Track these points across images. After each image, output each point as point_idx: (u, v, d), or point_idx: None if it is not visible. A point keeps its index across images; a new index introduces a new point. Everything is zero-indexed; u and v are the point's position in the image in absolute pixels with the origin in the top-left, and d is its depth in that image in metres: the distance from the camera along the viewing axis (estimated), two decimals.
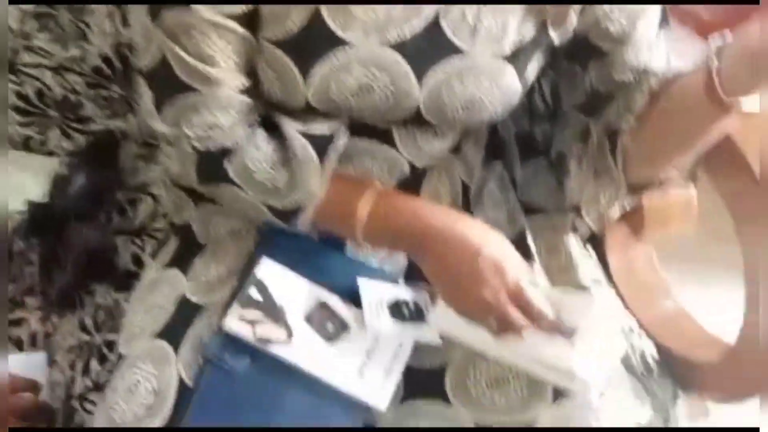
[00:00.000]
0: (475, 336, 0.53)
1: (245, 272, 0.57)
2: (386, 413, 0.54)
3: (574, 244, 0.65)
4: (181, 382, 0.54)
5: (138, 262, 0.68)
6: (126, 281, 0.67)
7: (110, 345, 0.62)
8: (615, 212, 0.63)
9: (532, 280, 0.52)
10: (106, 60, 0.71)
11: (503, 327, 0.51)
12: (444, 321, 0.55)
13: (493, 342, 0.53)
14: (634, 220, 0.73)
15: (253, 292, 0.54)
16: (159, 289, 0.62)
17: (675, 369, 0.63)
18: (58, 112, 0.73)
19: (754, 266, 0.58)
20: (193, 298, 0.59)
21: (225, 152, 0.54)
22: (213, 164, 0.54)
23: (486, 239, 0.52)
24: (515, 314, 0.50)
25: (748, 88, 0.47)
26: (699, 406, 0.67)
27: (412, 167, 0.62)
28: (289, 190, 0.54)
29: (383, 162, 0.59)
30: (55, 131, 0.74)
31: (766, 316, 0.56)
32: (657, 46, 0.58)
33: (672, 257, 0.79)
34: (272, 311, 0.54)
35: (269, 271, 0.56)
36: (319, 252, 0.59)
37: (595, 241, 0.76)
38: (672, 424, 0.61)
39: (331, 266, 0.59)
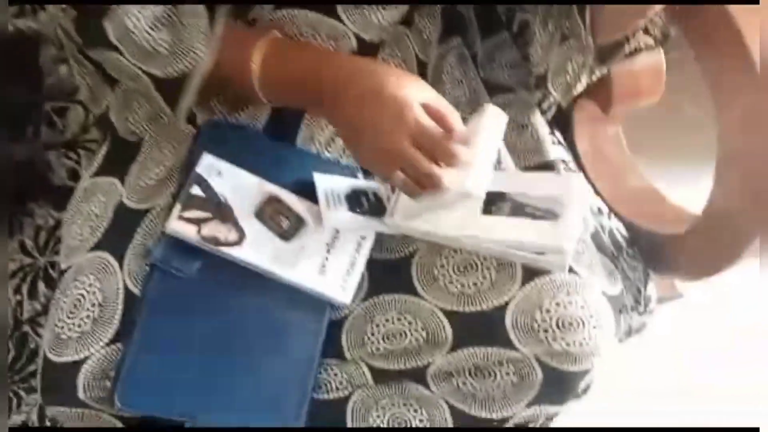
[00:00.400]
0: (441, 225, 0.50)
1: (185, 171, 0.52)
2: (352, 309, 0.52)
3: (541, 122, 0.61)
4: (128, 291, 0.50)
5: (75, 176, 0.62)
6: (65, 198, 0.61)
7: (55, 266, 0.57)
8: (582, 83, 0.59)
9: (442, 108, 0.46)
10: None
11: (416, 179, 0.46)
12: (404, 217, 0.51)
13: (463, 227, 0.49)
14: (601, 95, 0.70)
15: (195, 190, 0.49)
16: (95, 197, 0.57)
17: (644, 247, 0.62)
18: None
19: (727, 140, 0.55)
20: (132, 204, 0.54)
21: (103, 10, 0.47)
22: (92, 24, 0.47)
23: (387, 81, 0.46)
24: (423, 162, 0.45)
25: None
26: (670, 287, 0.67)
27: (361, 41, 0.56)
28: (173, 55, 0.47)
29: (327, 36, 0.53)
30: None
31: (733, 185, 0.54)
32: None
33: (640, 140, 0.77)
34: (218, 209, 0.49)
35: (211, 168, 0.50)
36: (266, 146, 0.54)
37: (562, 123, 0.73)
38: (643, 305, 0.61)
39: (280, 160, 0.54)
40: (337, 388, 0.51)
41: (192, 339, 0.48)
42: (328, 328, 0.51)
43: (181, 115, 0.51)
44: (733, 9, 0.50)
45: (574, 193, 0.51)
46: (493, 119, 0.48)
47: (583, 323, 0.46)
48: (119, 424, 0.49)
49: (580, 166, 0.71)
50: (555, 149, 0.60)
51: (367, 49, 0.57)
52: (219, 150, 0.52)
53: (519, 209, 0.50)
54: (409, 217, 0.51)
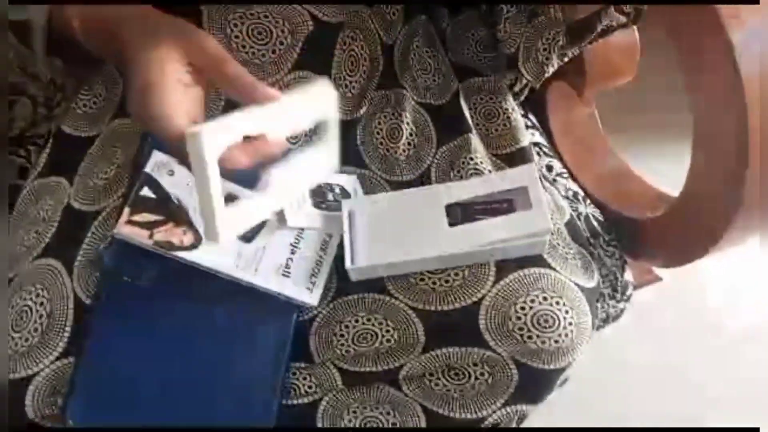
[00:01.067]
0: (413, 250, 0.47)
1: (135, 170, 0.48)
2: (320, 310, 0.49)
3: (514, 107, 0.58)
4: (78, 300, 0.47)
5: (25, 175, 0.58)
6: (14, 198, 0.57)
7: None
8: (554, 64, 0.56)
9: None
10: None
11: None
12: (368, 257, 0.47)
13: (439, 245, 0.46)
14: (574, 76, 0.67)
15: (145, 192, 0.46)
16: (42, 199, 0.53)
17: (621, 232, 0.61)
18: None
19: (700, 114, 0.53)
20: (81, 206, 0.51)
21: None
22: None
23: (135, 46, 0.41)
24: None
25: None
26: (648, 272, 0.66)
27: (317, 22, 0.52)
28: None
29: (282, 19, 0.49)
30: None
31: (709, 167, 0.52)
32: None
33: (616, 120, 0.75)
34: (171, 211, 0.46)
35: (162, 166, 0.47)
36: None
37: (536, 105, 0.71)
38: (620, 293, 0.59)
39: None
40: (306, 393, 0.49)
41: (149, 349, 0.46)
42: (295, 331, 0.49)
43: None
44: None
45: (533, 179, 0.49)
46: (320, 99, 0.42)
47: (559, 319, 0.45)
48: None
49: (555, 149, 0.69)
50: (528, 134, 0.58)
51: (325, 30, 0.54)
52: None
53: (479, 211, 0.48)
54: (373, 254, 0.47)
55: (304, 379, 0.49)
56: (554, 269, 0.47)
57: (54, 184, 0.54)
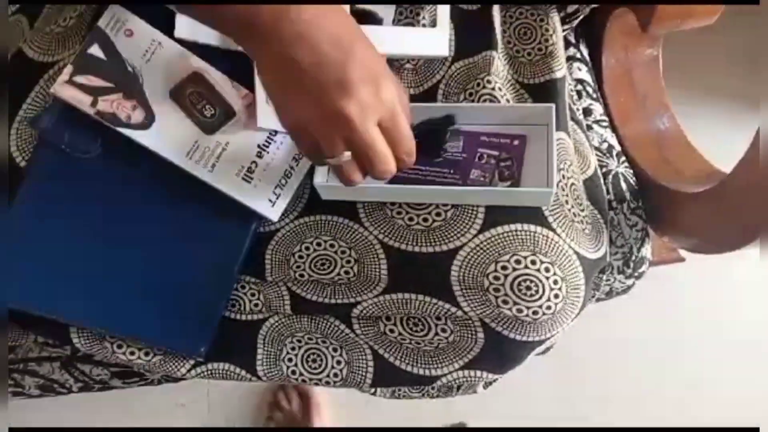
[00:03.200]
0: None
1: (93, 21, 0.41)
2: (283, 225, 0.43)
3: (556, 28, 0.48)
4: (13, 160, 0.42)
5: None
6: None
7: None
8: None
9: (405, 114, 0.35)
10: None
11: (360, 157, 0.34)
12: None
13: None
14: (643, 6, 0.55)
15: (95, 50, 0.39)
16: None
17: (652, 202, 0.52)
18: None
19: None
20: (33, 54, 0.45)
21: None
22: None
23: (359, 38, 0.33)
24: (382, 147, 0.34)
25: None
26: (670, 249, 0.57)
27: None
28: None
29: None
30: None
31: None
32: None
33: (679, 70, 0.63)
34: (122, 79, 0.39)
35: (119, 23, 0.40)
36: None
37: (590, 36, 0.60)
38: (632, 268, 0.51)
39: None
40: (251, 311, 0.44)
41: (83, 232, 0.41)
42: (252, 241, 0.43)
43: None
44: None
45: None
46: None
47: (544, 289, 0.38)
48: None
49: (602, 92, 0.59)
50: (572, 68, 0.48)
51: None
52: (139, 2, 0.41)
53: (484, 144, 0.40)
54: None
55: (252, 295, 0.44)
56: (553, 230, 0.39)
57: (14, 21, 0.48)
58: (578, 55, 0.58)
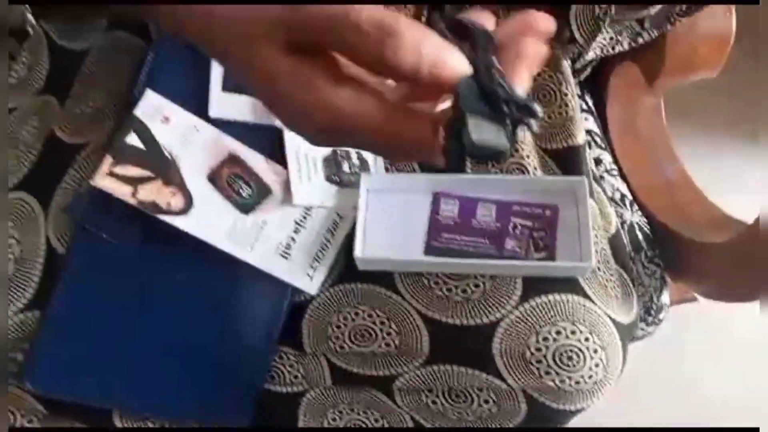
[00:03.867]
0: None
1: (126, 104, 0.42)
2: (319, 294, 0.44)
3: (573, 91, 0.50)
4: (51, 248, 0.42)
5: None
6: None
7: None
8: (624, 44, 0.47)
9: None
10: None
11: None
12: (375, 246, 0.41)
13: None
14: (648, 61, 0.58)
15: (132, 139, 0.39)
16: (30, 119, 0.48)
17: (668, 251, 0.53)
18: None
19: None
20: (65, 137, 0.45)
21: None
22: None
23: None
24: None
25: None
26: (684, 289, 0.59)
27: None
28: None
29: None
30: None
31: None
32: None
33: (684, 115, 0.66)
34: (161, 167, 0.40)
35: (156, 111, 0.40)
36: None
37: (594, 86, 0.62)
38: (654, 315, 0.53)
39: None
40: (291, 382, 0.45)
41: (121, 316, 0.41)
42: (288, 312, 0.44)
43: None
44: None
45: (583, 196, 0.42)
46: None
47: (585, 359, 0.39)
48: (39, 406, 0.43)
49: (608, 141, 0.61)
50: (583, 126, 0.50)
51: None
52: (169, 85, 0.41)
53: (517, 213, 0.42)
54: (387, 245, 0.41)
55: (291, 366, 0.44)
56: (589, 298, 0.41)
57: (44, 103, 0.48)
58: (584, 106, 0.60)
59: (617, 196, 0.56)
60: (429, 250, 0.42)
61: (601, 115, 0.62)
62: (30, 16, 0.49)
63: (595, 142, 0.58)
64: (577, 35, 0.47)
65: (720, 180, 0.62)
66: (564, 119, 0.48)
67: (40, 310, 0.41)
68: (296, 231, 0.42)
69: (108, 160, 0.39)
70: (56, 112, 0.47)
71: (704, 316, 0.87)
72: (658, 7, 0.44)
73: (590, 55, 0.48)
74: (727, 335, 0.95)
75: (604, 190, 0.54)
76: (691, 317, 0.72)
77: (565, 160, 0.46)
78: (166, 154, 0.40)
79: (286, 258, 0.42)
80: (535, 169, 0.45)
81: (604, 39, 0.47)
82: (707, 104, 0.93)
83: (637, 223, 0.55)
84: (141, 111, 0.39)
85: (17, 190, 0.44)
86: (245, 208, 0.41)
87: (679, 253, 0.53)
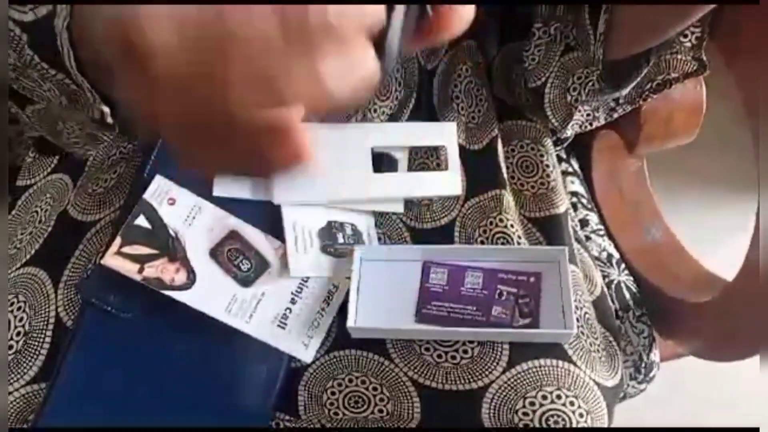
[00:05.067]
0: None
1: (135, 186, 0.45)
2: (314, 359, 0.46)
3: (554, 162, 0.53)
4: (59, 321, 0.44)
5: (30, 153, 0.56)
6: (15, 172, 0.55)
7: None
8: (600, 119, 0.50)
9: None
10: None
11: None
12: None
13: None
14: (626, 130, 0.61)
15: (141, 221, 0.42)
16: (44, 196, 0.51)
17: (656, 310, 0.55)
18: None
19: None
20: (77, 214, 0.48)
21: None
22: None
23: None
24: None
25: None
26: (673, 345, 0.60)
27: None
28: None
29: None
30: None
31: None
32: None
33: (666, 174, 0.68)
34: (166, 245, 0.42)
35: (163, 194, 0.43)
36: None
37: (579, 148, 0.65)
38: (643, 374, 0.54)
39: None
40: None
41: (125, 384, 0.43)
42: (284, 378, 0.45)
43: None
44: None
45: (565, 269, 0.44)
46: None
47: (571, 422, 0.40)
48: None
49: (595, 201, 0.63)
50: (565, 195, 0.52)
51: None
52: (175, 169, 0.44)
53: (504, 281, 0.44)
54: (380, 315, 0.44)
55: None
56: (574, 363, 0.42)
57: (58, 182, 0.51)
58: (570, 169, 0.63)
59: (604, 255, 0.59)
60: (419, 317, 0.44)
61: (587, 176, 0.65)
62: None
63: (581, 203, 0.61)
64: (552, 120, 0.50)
65: (702, 233, 0.64)
66: (546, 189, 0.50)
67: (45, 382, 0.43)
68: (293, 301, 0.44)
69: (118, 240, 0.42)
70: (69, 190, 0.50)
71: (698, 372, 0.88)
72: (630, 87, 0.47)
73: (569, 133, 0.52)
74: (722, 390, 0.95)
75: (590, 251, 0.56)
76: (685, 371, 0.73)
77: (547, 228, 0.49)
78: (172, 232, 0.43)
79: (282, 328, 0.44)
80: (520, 237, 0.47)
81: (581, 117, 0.50)
82: (687, 159, 0.97)
83: (624, 283, 0.57)
84: (150, 194, 0.43)
85: (30, 265, 0.47)
86: (245, 281, 0.44)
87: (667, 313, 0.54)
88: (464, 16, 0.26)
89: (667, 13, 0.41)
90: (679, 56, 0.47)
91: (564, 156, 0.63)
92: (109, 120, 0.34)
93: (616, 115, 0.52)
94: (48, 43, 0.32)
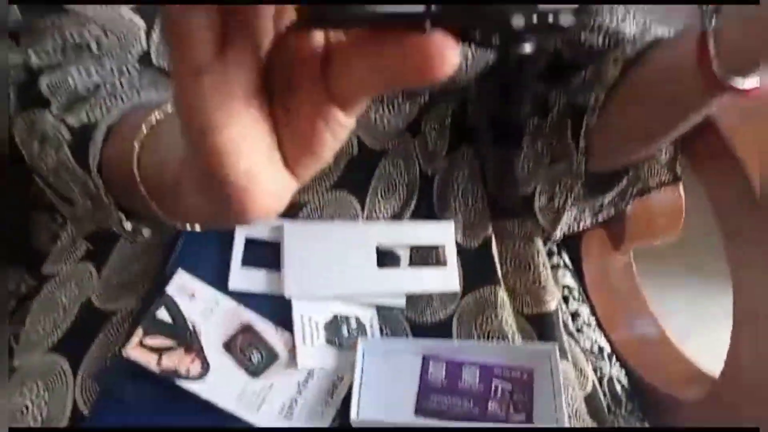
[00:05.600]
0: None
1: (158, 284, 0.48)
2: None
3: (545, 261, 0.56)
4: (76, 409, 0.46)
5: (56, 242, 0.59)
6: (41, 263, 0.58)
7: (18, 338, 0.54)
8: (587, 221, 0.55)
9: None
10: None
11: None
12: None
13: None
14: (612, 229, 0.66)
15: (162, 314, 0.45)
16: (68, 284, 0.54)
17: (647, 403, 0.57)
18: None
19: (742, 289, 0.51)
20: (99, 303, 0.51)
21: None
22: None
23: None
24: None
25: (752, 62, 0.36)
26: None
27: (362, 147, 0.53)
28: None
29: None
30: None
31: (752, 351, 0.49)
32: (634, 7, 0.49)
33: (654, 267, 0.72)
34: (184, 337, 0.45)
35: (184, 289, 0.47)
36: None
37: (570, 243, 0.69)
38: None
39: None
40: None
41: None
42: None
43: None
44: (733, 138, 0.46)
45: (556, 368, 0.47)
46: None
47: None
48: None
49: (586, 294, 0.67)
50: (556, 293, 0.56)
51: (368, 155, 0.55)
52: (196, 263, 0.48)
53: (497, 375, 0.47)
54: (382, 409, 0.46)
55: None
56: None
57: (83, 271, 0.54)
58: (561, 263, 0.66)
59: (596, 348, 0.61)
60: (419, 410, 0.47)
61: (578, 270, 0.68)
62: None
63: (573, 296, 0.64)
64: (541, 222, 0.54)
65: (692, 324, 0.67)
66: (538, 287, 0.54)
67: None
68: (299, 392, 0.47)
69: (139, 332, 0.45)
70: (93, 279, 0.53)
71: None
72: (612, 195, 0.52)
73: (558, 235, 0.56)
74: None
75: (581, 344, 0.59)
76: None
77: (539, 324, 0.52)
78: (189, 325, 0.46)
79: (289, 419, 0.46)
80: (514, 333, 0.50)
81: (568, 219, 0.54)
82: (675, 250, 1.01)
83: (616, 377, 0.59)
84: (172, 289, 0.46)
85: (52, 352, 0.50)
86: (255, 372, 0.46)
87: (659, 408, 0.56)
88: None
89: (646, 127, 0.46)
90: (656, 166, 0.52)
91: (555, 250, 0.67)
92: (128, 227, 0.38)
93: (601, 218, 0.56)
94: (84, 148, 0.37)
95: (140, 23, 0.43)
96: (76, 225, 0.51)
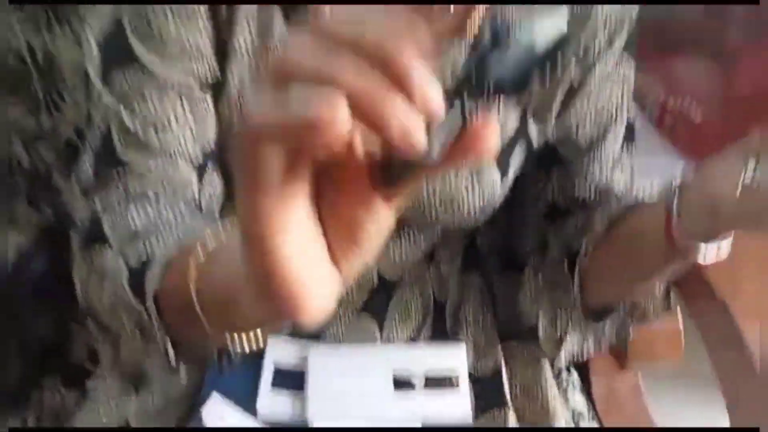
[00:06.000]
0: None
1: (192, 407, 0.52)
2: None
3: (552, 385, 0.60)
4: None
5: (93, 357, 0.64)
6: (77, 377, 0.62)
7: None
8: (590, 348, 0.59)
9: None
10: (78, 131, 0.67)
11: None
12: None
13: None
14: (617, 352, 0.69)
15: None
16: (110, 401, 0.58)
17: None
18: (27, 182, 0.69)
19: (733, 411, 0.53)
20: (134, 423, 0.55)
21: None
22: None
23: None
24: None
25: (708, 235, 0.42)
26: None
27: (381, 279, 0.57)
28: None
29: None
30: (23, 203, 0.70)
31: None
32: (622, 164, 0.56)
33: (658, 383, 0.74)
34: None
35: (216, 412, 0.51)
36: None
37: (581, 367, 0.72)
38: None
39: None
40: None
41: None
42: None
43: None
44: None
45: None
46: None
47: None
48: None
49: (597, 413, 0.68)
50: (563, 418, 0.58)
51: (385, 285, 0.59)
52: (228, 388, 0.52)
53: None
54: None
55: None
56: None
57: (124, 389, 0.57)
58: (571, 384, 0.69)
59: None
60: None
61: (588, 388, 0.71)
62: None
63: (582, 418, 0.66)
64: (545, 348, 0.59)
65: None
66: (545, 412, 0.57)
67: None
68: None
69: None
70: (131, 402, 0.57)
71: None
72: (612, 320, 0.56)
73: (563, 362, 0.60)
74: None
75: None
76: None
77: None
78: None
79: None
80: None
81: (572, 347, 0.58)
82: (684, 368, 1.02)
83: None
84: (205, 412, 0.50)
85: None
86: None
87: None
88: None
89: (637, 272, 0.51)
90: (652, 299, 0.56)
91: (565, 368, 0.70)
92: (171, 355, 0.41)
93: (604, 345, 0.60)
94: (141, 282, 0.41)
95: (193, 178, 0.50)
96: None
